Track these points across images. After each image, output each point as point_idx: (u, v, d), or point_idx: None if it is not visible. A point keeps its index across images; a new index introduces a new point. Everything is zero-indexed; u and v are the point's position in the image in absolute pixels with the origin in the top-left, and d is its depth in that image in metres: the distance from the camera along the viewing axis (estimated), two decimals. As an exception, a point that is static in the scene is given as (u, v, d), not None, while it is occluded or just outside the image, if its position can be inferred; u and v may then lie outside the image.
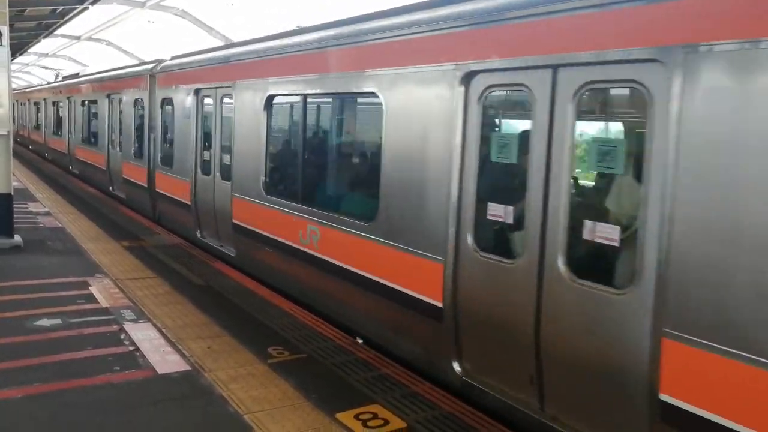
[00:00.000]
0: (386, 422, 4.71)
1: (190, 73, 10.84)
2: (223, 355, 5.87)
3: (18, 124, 35.00)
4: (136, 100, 13.67)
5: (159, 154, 12.25)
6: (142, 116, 13.40)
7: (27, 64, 48.10)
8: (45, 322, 6.51)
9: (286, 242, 7.54)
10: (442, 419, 4.81)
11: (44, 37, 28.25)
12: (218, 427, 4.55)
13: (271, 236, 7.93)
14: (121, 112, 14.97)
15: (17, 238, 9.93)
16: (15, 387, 4.96)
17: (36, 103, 29.28)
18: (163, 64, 12.45)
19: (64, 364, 5.50)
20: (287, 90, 7.84)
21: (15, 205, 10.33)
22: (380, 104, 5.95)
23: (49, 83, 29.98)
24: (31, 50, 35.99)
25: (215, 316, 6.96)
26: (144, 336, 6.25)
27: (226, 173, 9.30)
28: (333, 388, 5.26)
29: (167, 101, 11.91)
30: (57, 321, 6.54)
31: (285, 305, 7.53)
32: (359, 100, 7.49)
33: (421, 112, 5.47)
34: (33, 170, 22.57)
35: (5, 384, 5.01)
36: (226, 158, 9.31)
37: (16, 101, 35.05)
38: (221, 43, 21.32)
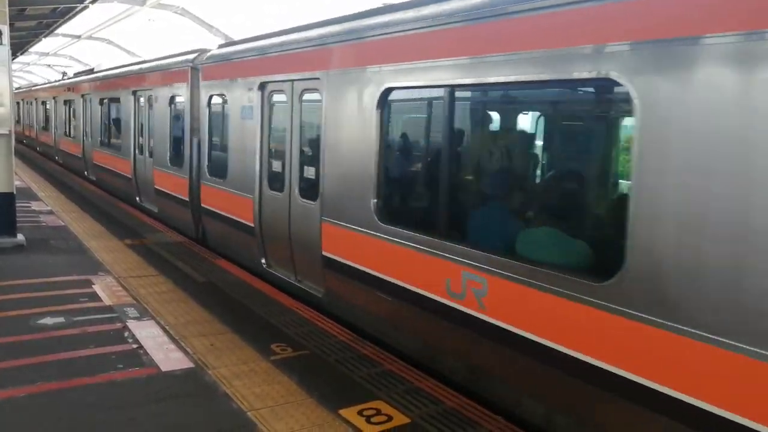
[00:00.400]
0: (390, 418, 4.71)
1: (250, 63, 8.67)
2: (226, 352, 5.87)
3: (24, 124, 34.02)
4: (172, 97, 11.57)
5: (206, 163, 10.13)
6: (180, 116, 11.34)
7: (28, 64, 48.14)
8: (48, 320, 6.51)
9: (418, 291, 5.52)
10: (445, 414, 4.80)
11: (45, 36, 28.27)
12: (222, 424, 4.56)
13: (389, 280, 5.89)
14: (151, 111, 12.81)
15: (20, 237, 9.94)
16: (19, 386, 4.97)
17: (44, 102, 26.96)
18: (209, 54, 10.33)
19: (67, 362, 5.51)
20: (421, 80, 5.60)
21: (17, 204, 10.33)
22: (624, 98, 3.93)
23: (58, 80, 27.80)
24: (31, 49, 36.01)
25: (218, 313, 6.97)
26: (147, 334, 6.25)
27: (311, 191, 7.24)
28: (336, 385, 5.26)
29: (217, 98, 9.87)
30: (60, 319, 6.55)
31: (287, 301, 7.53)
32: (565, 89, 5.37)
33: (747, 113, 3.26)
34: (35, 169, 22.58)
35: (9, 383, 5.01)
36: (310, 171, 7.29)
37: (21, 100, 34.26)
38: (222, 41, 21.13)
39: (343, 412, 4.76)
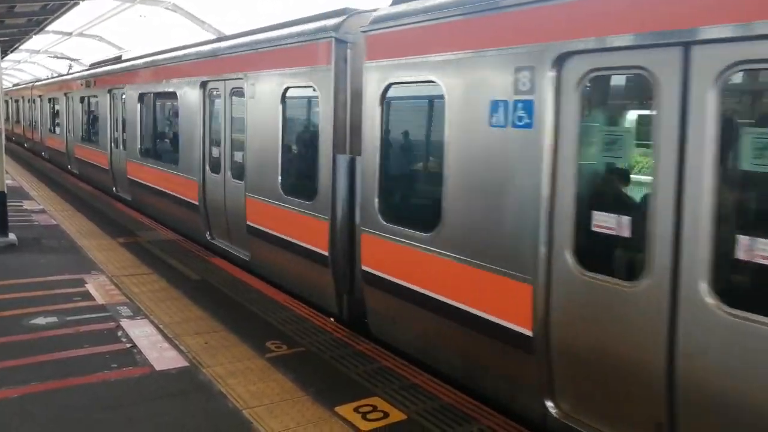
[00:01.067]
0: (386, 414, 4.70)
1: (513, 17, 4.66)
2: (221, 350, 5.84)
3: (24, 125, 30.51)
4: (287, 91, 7.61)
5: (375, 199, 6.07)
6: (304, 119, 7.99)
7: (18, 61, 47.85)
8: (41, 320, 6.46)
9: None
10: (441, 410, 4.79)
11: (35, 34, 28.06)
12: (217, 423, 4.53)
13: None
14: (236, 111, 9.04)
15: (11, 236, 9.88)
16: (12, 387, 4.93)
17: (52, 100, 22.96)
18: (381, 14, 6.08)
19: (61, 362, 5.47)
20: None
21: (9, 203, 10.27)
22: None
23: (70, 73, 23.96)
24: (22, 47, 35.74)
25: (212, 311, 6.93)
26: (141, 332, 6.21)
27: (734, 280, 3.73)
28: (332, 382, 5.24)
29: (404, 89, 6.12)
30: (53, 319, 6.50)
31: (282, 298, 7.50)
32: None
33: None
34: (27, 168, 22.44)
35: (2, 384, 4.97)
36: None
37: (21, 98, 31.33)
38: (214, 36, 20.59)
39: (339, 409, 4.74)
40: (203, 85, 9.82)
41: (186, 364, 5.50)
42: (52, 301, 7.07)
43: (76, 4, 19.06)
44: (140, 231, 11.43)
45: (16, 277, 7.99)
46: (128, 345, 5.90)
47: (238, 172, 8.88)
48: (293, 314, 6.94)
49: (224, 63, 9.21)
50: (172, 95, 11.17)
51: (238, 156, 8.89)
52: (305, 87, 7.32)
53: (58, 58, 42.11)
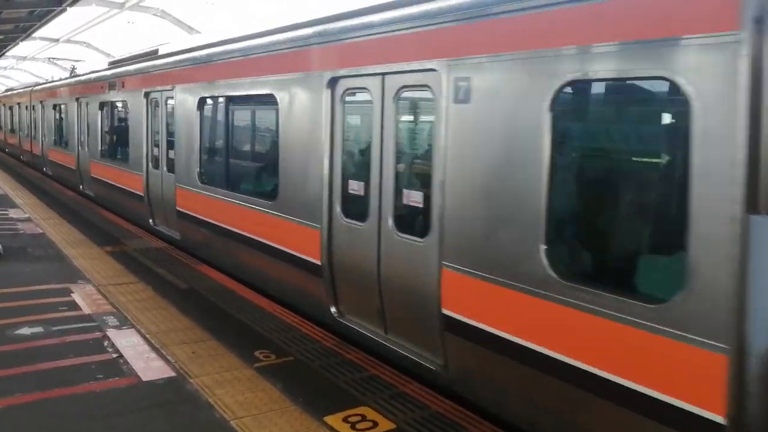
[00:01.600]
0: (375, 424, 4.68)
1: None
2: (209, 359, 5.80)
3: (21, 135, 26.79)
4: (564, 89, 4.14)
5: None
6: (640, 146, 4.25)
7: (5, 68, 47.59)
8: (26, 330, 6.39)
9: None
10: (430, 419, 4.78)
11: (22, 40, 27.90)
12: (204, 433, 4.50)
13: None
14: (401, 125, 5.92)
15: (-3, 245, 9.78)
16: (-5, 398, 4.87)
17: (58, 106, 19.70)
18: None
19: (46, 373, 5.41)
20: None
21: (-6, 212, 10.18)
22: None
23: (84, 74, 19.47)
24: (9, 54, 35.50)
25: (199, 320, 6.88)
26: (127, 342, 6.16)
27: None
28: (321, 391, 5.21)
29: None
30: (38, 329, 6.43)
31: (270, 307, 7.46)
32: None
33: None
34: (13, 175, 22.25)
35: (-15, 395, 4.92)
36: None
37: (17, 104, 27.98)
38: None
39: (327, 419, 4.72)
40: (332, 83, 6.45)
41: (173, 374, 5.46)
42: (37, 311, 6.99)
43: (63, 10, 18.97)
44: (127, 240, 11.34)
45: (1, 287, 7.90)
46: (115, 355, 5.85)
47: (415, 222, 5.67)
48: (282, 323, 6.90)
49: (384, 47, 5.79)
50: (266, 99, 7.76)
51: (415, 197, 5.62)
52: (633, 79, 3.95)
53: (57, 61, 41.31)
